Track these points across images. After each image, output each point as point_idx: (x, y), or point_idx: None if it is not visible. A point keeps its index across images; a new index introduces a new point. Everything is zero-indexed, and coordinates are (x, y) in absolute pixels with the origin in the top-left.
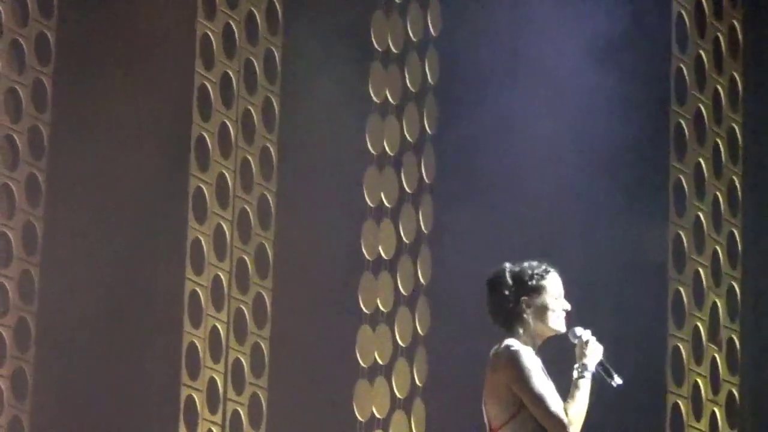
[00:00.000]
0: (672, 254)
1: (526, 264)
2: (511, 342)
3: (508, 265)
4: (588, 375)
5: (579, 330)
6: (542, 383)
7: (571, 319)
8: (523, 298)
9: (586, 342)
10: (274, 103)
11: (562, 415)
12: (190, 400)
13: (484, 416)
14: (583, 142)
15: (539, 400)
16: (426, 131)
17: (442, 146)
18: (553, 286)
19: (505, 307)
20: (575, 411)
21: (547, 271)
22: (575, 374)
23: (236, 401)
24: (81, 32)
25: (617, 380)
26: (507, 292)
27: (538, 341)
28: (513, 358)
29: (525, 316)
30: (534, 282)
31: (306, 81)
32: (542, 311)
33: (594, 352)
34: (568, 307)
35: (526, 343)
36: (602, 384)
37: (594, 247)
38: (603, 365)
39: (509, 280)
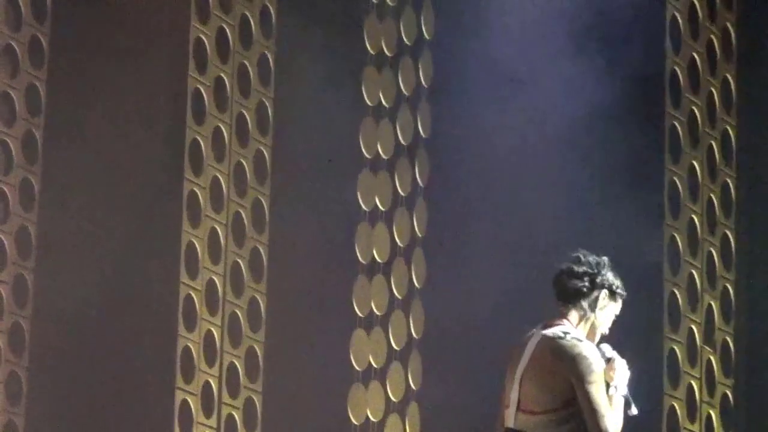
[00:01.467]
0: (667, 256)
1: (611, 269)
2: (573, 332)
3: (588, 254)
4: (620, 394)
5: (606, 348)
6: (602, 389)
7: None
8: (604, 290)
9: (617, 362)
10: (268, 107)
11: (610, 426)
12: (185, 404)
13: (514, 391)
14: (577, 146)
15: (597, 404)
16: (420, 134)
17: (436, 149)
18: (619, 305)
19: (579, 290)
20: (614, 422)
21: (624, 292)
22: (611, 391)
23: (231, 405)
24: (74, 35)
25: (634, 410)
26: (594, 274)
27: (592, 338)
28: (585, 355)
29: (595, 308)
30: (617, 289)
31: (299, 84)
32: (609, 313)
33: (623, 375)
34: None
35: (587, 336)
36: None
37: (589, 249)
38: (626, 392)
39: (604, 269)
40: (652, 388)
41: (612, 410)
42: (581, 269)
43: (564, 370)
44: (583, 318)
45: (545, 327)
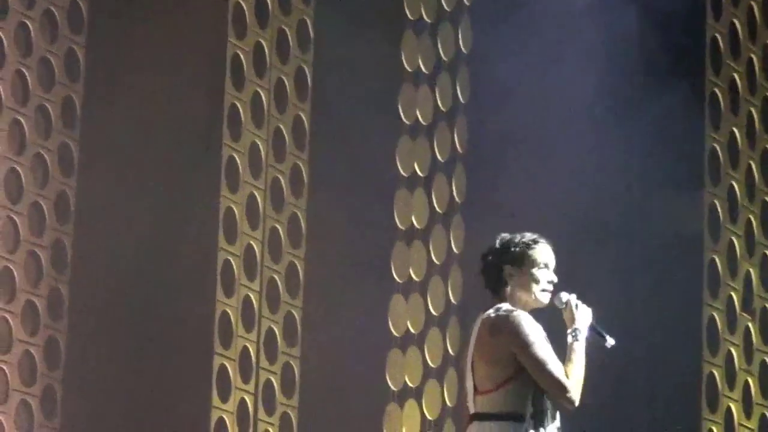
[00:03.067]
0: (707, 224)
1: (518, 234)
2: (510, 307)
3: (504, 234)
4: (582, 338)
5: (564, 295)
6: (544, 348)
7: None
8: (506, 266)
9: (575, 306)
10: (307, 72)
11: (564, 379)
12: (223, 369)
13: (469, 379)
14: (616, 118)
15: (542, 365)
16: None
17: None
18: (539, 257)
19: (490, 273)
20: (575, 375)
21: (534, 242)
22: (569, 339)
23: (269, 370)
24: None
25: (610, 341)
26: (492, 258)
27: (525, 310)
28: (517, 323)
29: (509, 283)
30: (518, 250)
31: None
32: (525, 281)
33: (583, 316)
34: (554, 279)
35: (517, 308)
36: (634, 357)
37: (630, 218)
38: (594, 328)
39: (497, 246)
40: (691, 355)
41: (569, 363)
42: (483, 261)
43: (503, 343)
44: (507, 297)
45: (484, 311)
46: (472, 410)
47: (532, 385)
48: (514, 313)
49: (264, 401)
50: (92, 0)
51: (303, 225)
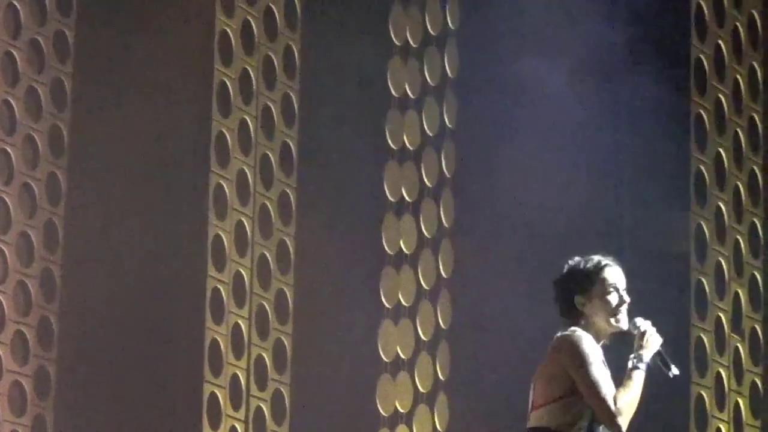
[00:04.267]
0: (694, 245)
1: (584, 259)
2: (576, 328)
3: (572, 260)
4: (643, 366)
5: (639, 321)
6: (599, 370)
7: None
8: (576, 295)
9: (644, 332)
10: (293, 99)
11: (611, 403)
12: (213, 397)
13: (531, 394)
14: (605, 135)
15: (593, 387)
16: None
17: (463, 140)
18: (607, 280)
19: (562, 303)
20: (626, 401)
21: (600, 265)
22: (630, 365)
23: (259, 397)
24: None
25: (674, 371)
26: (561, 288)
27: (602, 336)
28: (575, 342)
29: (585, 312)
30: (584, 276)
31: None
32: (597, 308)
33: (652, 344)
34: (626, 300)
35: (588, 331)
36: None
37: (616, 238)
38: (661, 355)
39: (566, 277)
40: (679, 377)
41: (622, 388)
42: (556, 293)
43: (561, 361)
44: (585, 324)
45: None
46: (528, 425)
47: (580, 405)
48: (576, 333)
49: (255, 429)
50: (78, 28)
51: (291, 251)
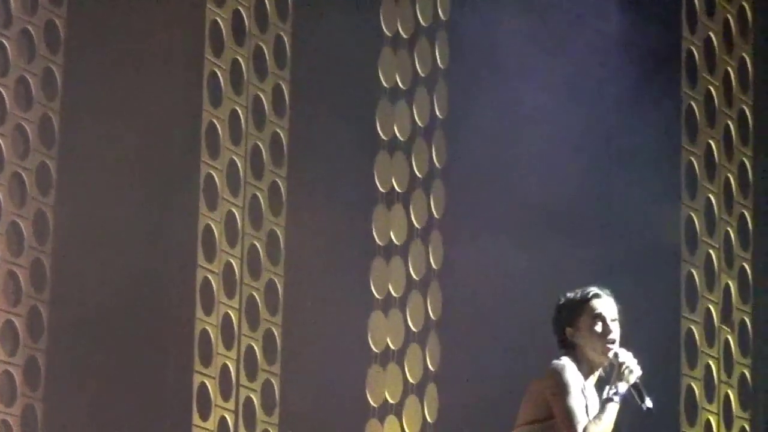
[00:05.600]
0: (684, 236)
1: (576, 291)
2: (565, 358)
3: (564, 295)
4: (617, 399)
5: (621, 351)
6: (575, 399)
7: None
8: (567, 328)
9: (622, 363)
10: (284, 89)
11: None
12: (203, 387)
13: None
14: (595, 126)
15: (566, 414)
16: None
17: (453, 131)
18: (595, 309)
19: (558, 336)
20: (596, 431)
21: (588, 296)
22: (604, 395)
23: (249, 388)
24: (90, 20)
25: (648, 403)
26: (556, 321)
27: (596, 367)
28: (556, 370)
29: (577, 343)
30: (573, 308)
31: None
32: (585, 339)
33: (630, 376)
34: (612, 330)
35: (579, 363)
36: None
37: (607, 230)
38: (637, 387)
39: (557, 309)
40: (669, 369)
41: (595, 419)
42: (552, 325)
43: (543, 386)
44: (577, 355)
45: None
46: None
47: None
48: (561, 362)
49: (244, 419)
50: (69, 19)
51: (282, 242)
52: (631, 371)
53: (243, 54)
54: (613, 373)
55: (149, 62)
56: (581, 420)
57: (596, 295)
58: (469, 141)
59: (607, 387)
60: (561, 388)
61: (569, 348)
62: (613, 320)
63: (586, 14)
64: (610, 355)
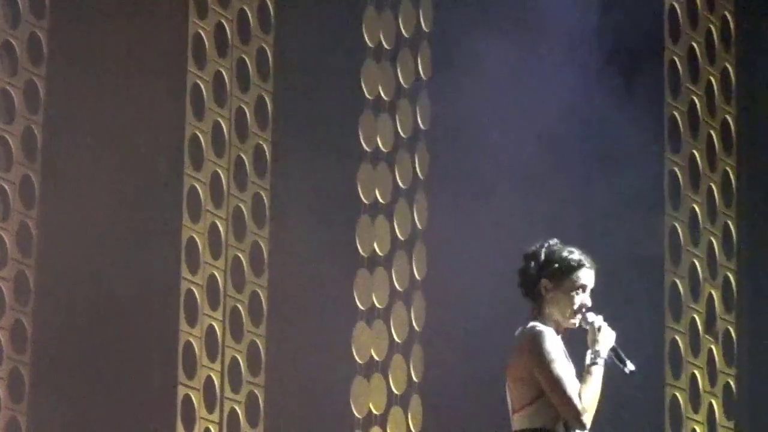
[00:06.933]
0: (668, 246)
1: (568, 248)
2: (535, 323)
3: (552, 241)
4: (601, 362)
5: (591, 316)
6: (561, 367)
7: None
8: (544, 279)
9: (599, 328)
10: (267, 101)
11: (576, 400)
12: (187, 399)
13: (508, 397)
14: (578, 134)
15: (555, 385)
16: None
17: (437, 143)
18: (579, 280)
19: (527, 281)
20: (588, 397)
21: (580, 263)
22: (588, 360)
23: (233, 399)
24: (73, 33)
25: (630, 366)
26: (532, 266)
27: (559, 330)
28: (535, 340)
29: (545, 297)
30: (560, 267)
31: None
32: (560, 300)
33: (606, 339)
34: (588, 303)
35: (548, 324)
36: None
37: (590, 240)
38: (616, 351)
39: (541, 255)
40: (654, 378)
41: (584, 385)
42: (523, 266)
43: (526, 362)
44: (540, 311)
45: (525, 323)
46: (512, 429)
47: (555, 408)
48: (537, 329)
49: (229, 431)
50: (51, 32)
51: (265, 253)
52: (607, 333)
53: (226, 66)
54: (588, 337)
55: (132, 75)
56: (575, 389)
57: (586, 266)
58: (452, 152)
59: (588, 352)
60: (544, 359)
61: (533, 297)
62: (589, 291)
63: (569, 25)
64: (577, 321)
